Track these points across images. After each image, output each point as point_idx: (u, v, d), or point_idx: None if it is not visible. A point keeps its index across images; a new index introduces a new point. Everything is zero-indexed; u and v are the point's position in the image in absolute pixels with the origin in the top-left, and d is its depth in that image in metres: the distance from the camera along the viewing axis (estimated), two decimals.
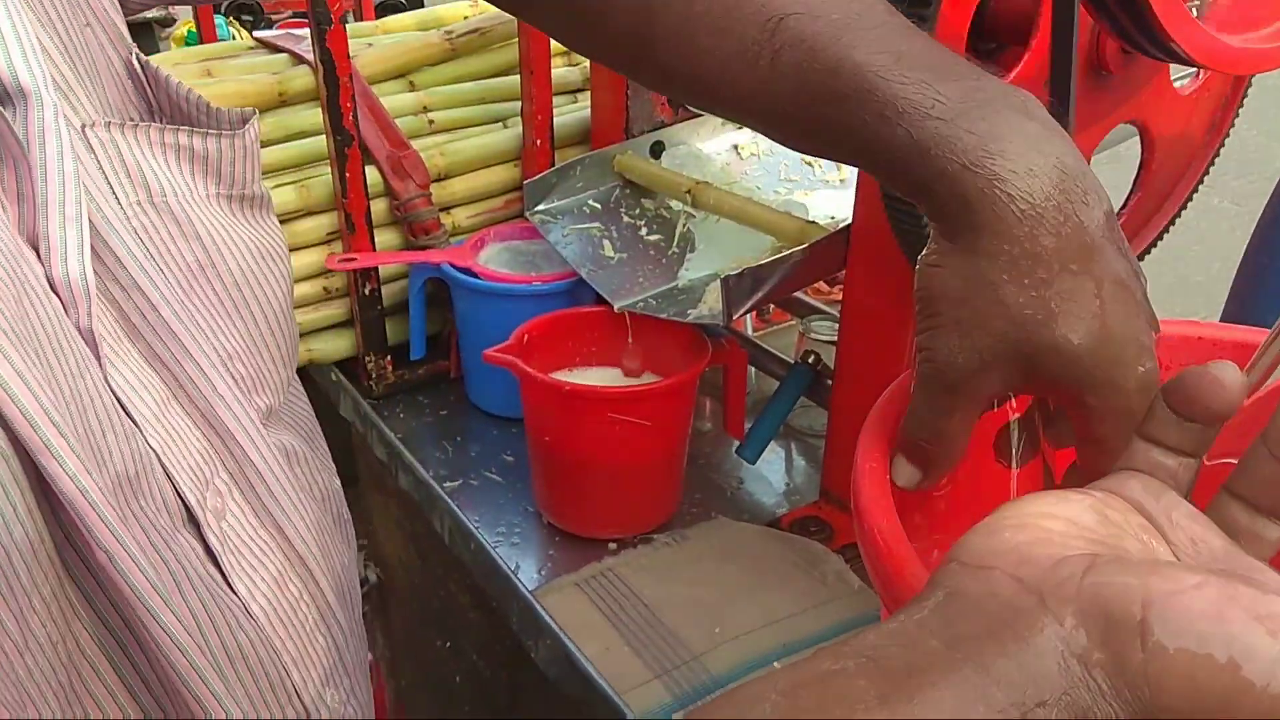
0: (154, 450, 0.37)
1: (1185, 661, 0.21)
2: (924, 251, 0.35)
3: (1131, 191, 0.70)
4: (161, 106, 0.45)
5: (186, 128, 0.43)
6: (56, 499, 0.33)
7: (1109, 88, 0.62)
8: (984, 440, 0.46)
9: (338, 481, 0.55)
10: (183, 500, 0.38)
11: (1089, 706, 0.22)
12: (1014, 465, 0.39)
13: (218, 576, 0.39)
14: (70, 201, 0.36)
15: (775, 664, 0.65)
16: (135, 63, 0.44)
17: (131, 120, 0.43)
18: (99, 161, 0.40)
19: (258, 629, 0.40)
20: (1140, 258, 0.74)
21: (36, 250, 0.35)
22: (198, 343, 0.41)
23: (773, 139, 0.43)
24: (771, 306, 1.04)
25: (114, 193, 0.40)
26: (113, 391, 0.37)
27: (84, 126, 0.39)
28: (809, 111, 0.37)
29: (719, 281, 0.69)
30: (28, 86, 0.36)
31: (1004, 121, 0.32)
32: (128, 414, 0.37)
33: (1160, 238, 0.74)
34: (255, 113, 0.46)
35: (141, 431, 0.37)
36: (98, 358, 0.36)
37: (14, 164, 0.35)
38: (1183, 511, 0.27)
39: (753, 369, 0.83)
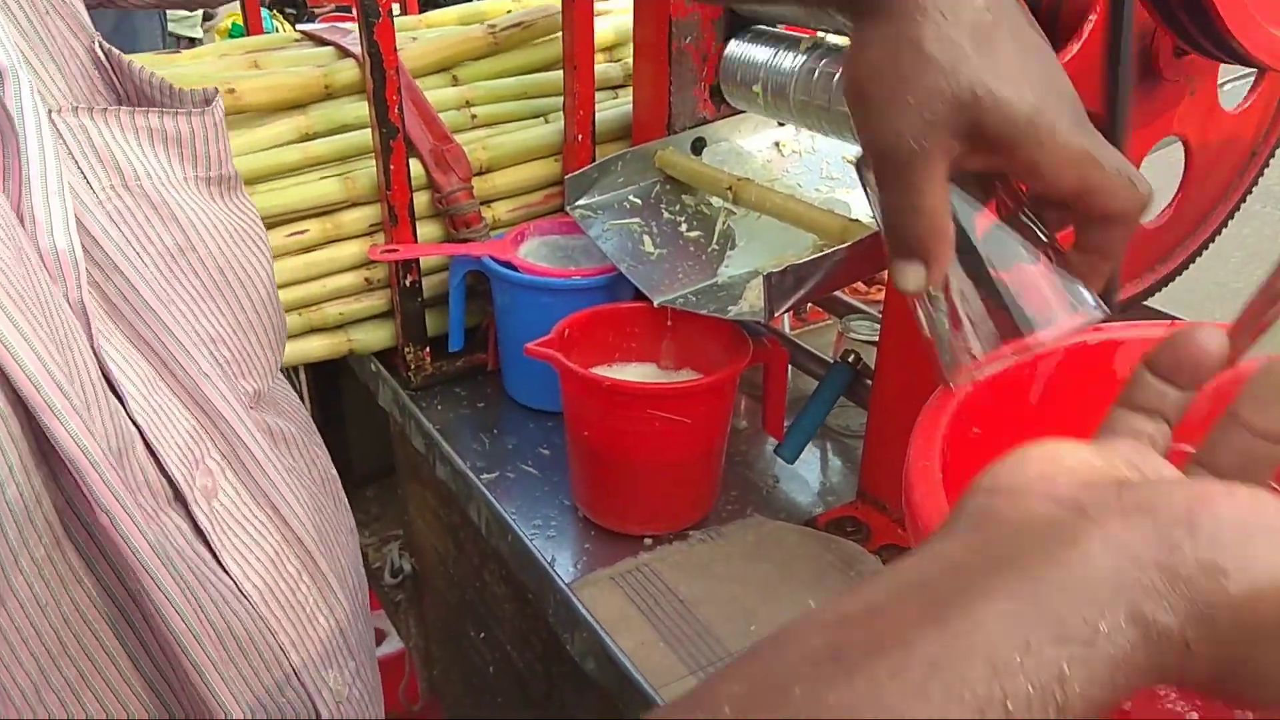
0: (138, 426, 0.37)
1: (1238, 543, 0.21)
2: (846, 52, 0.37)
3: (1170, 202, 0.68)
4: (128, 93, 0.44)
5: (156, 109, 0.43)
6: (58, 460, 0.33)
7: (1159, 93, 0.61)
8: (1035, 429, 0.46)
9: (334, 469, 0.54)
10: (168, 478, 0.38)
11: (1149, 610, 0.21)
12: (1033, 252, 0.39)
13: (207, 556, 0.39)
14: (53, 175, 0.36)
15: None
16: (99, 50, 0.44)
17: (100, 105, 0.42)
18: (69, 147, 0.39)
19: (251, 609, 0.40)
20: (1180, 270, 0.73)
21: (21, 221, 0.35)
22: (180, 325, 0.40)
23: None
24: (809, 306, 1.04)
25: (85, 178, 0.39)
26: (100, 365, 0.36)
27: (50, 112, 0.39)
28: None
29: (761, 279, 0.69)
30: (3, 63, 0.36)
31: None
32: (113, 389, 0.37)
33: (1204, 248, 0.72)
34: (218, 91, 0.46)
35: (125, 407, 0.37)
36: (88, 331, 0.36)
37: (2, 138, 0.35)
38: (1167, 473, 0.27)
39: (789, 367, 0.83)
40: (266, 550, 0.41)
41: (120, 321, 0.38)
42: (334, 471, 0.54)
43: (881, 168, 0.37)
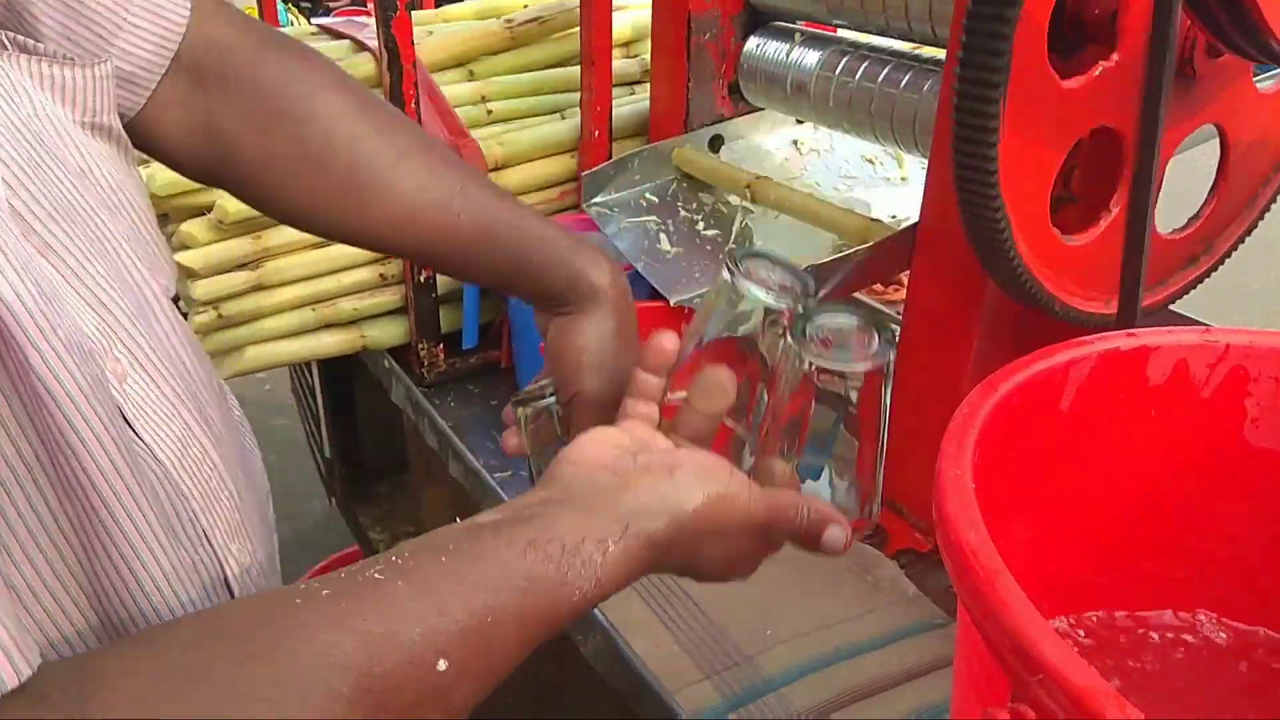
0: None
1: (688, 486, 0.42)
2: (551, 332, 0.57)
3: (1208, 198, 0.67)
4: (25, 47, 0.47)
5: (48, 59, 0.46)
6: None
7: (1191, 91, 0.60)
8: (1067, 435, 0.45)
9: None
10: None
11: (647, 525, 0.41)
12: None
13: (122, 423, 0.41)
14: None
15: (827, 669, 0.64)
16: None
17: (4, 47, 0.45)
18: None
19: (165, 472, 0.43)
20: (1216, 266, 0.72)
21: None
22: (83, 228, 0.43)
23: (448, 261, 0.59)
24: None
25: None
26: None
27: None
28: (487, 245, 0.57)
29: None
30: None
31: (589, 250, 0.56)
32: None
33: (1237, 245, 0.71)
34: (110, 57, 0.49)
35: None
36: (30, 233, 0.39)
37: None
38: (659, 444, 0.47)
39: None
40: (175, 429, 0.44)
41: (30, 236, 0.40)
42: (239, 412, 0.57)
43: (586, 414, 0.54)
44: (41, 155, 0.43)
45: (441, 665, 0.35)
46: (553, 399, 0.56)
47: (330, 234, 0.59)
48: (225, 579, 0.46)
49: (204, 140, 0.54)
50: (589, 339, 0.56)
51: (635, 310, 0.57)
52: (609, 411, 0.53)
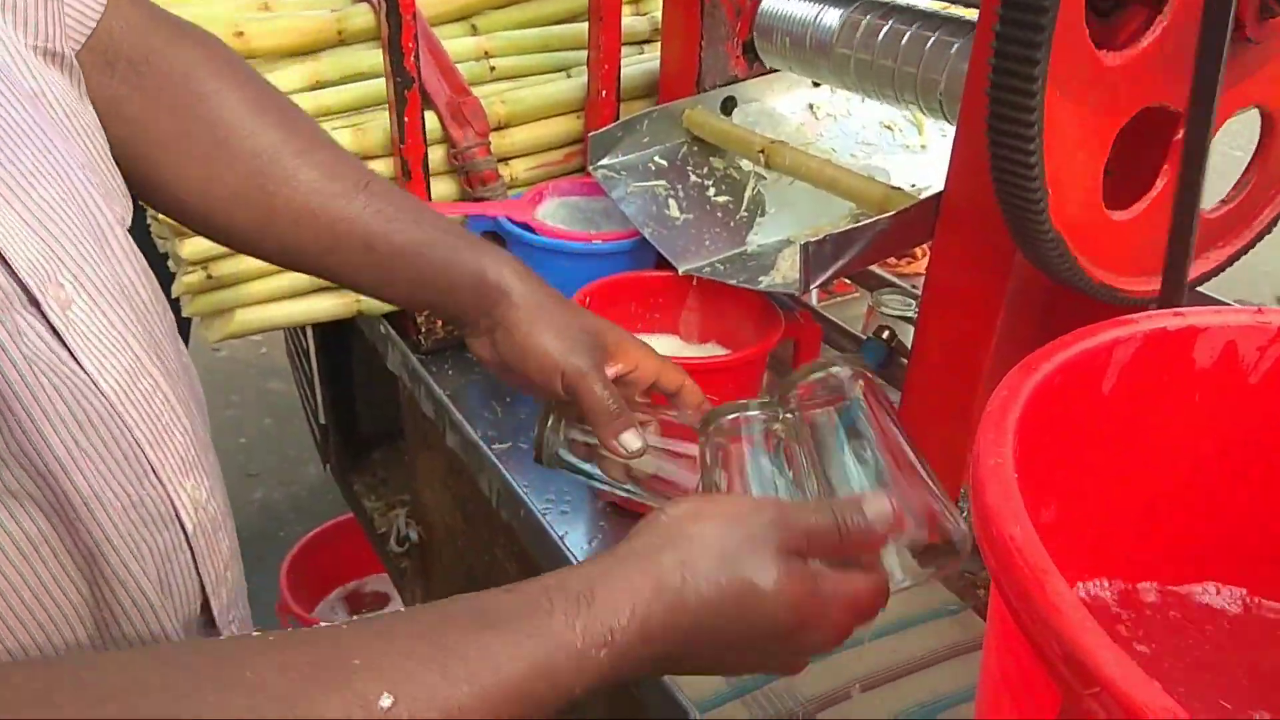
0: None
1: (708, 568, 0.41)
2: (474, 343, 0.59)
3: (1246, 172, 0.64)
4: None
5: None
6: None
7: (1241, 58, 0.56)
8: (1108, 419, 0.42)
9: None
10: (22, 286, 0.39)
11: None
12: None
13: (63, 353, 0.40)
14: None
15: (836, 656, 0.62)
16: None
17: None
18: None
19: (108, 405, 0.41)
20: (1249, 246, 0.68)
21: None
22: (32, 151, 0.42)
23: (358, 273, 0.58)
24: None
25: None
26: None
27: None
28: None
29: (796, 248, 0.65)
30: None
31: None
32: None
33: (1271, 227, 0.68)
34: None
35: None
36: None
37: None
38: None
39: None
40: (123, 360, 0.43)
41: None
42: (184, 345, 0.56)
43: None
44: None
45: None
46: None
47: (231, 231, 0.57)
48: (176, 515, 0.45)
49: (109, 123, 0.52)
50: (534, 340, 0.56)
51: (548, 293, 0.57)
52: (603, 378, 0.55)
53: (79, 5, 0.51)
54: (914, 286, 0.90)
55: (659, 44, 0.91)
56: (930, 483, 0.47)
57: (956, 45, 0.67)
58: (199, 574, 0.47)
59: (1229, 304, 0.61)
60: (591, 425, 0.56)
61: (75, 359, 0.41)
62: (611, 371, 0.57)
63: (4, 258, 0.39)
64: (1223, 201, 0.64)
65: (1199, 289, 0.72)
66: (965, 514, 0.69)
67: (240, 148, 0.55)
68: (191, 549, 0.46)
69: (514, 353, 0.56)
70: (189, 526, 0.46)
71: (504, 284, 0.56)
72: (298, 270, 0.61)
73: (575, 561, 0.67)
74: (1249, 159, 0.63)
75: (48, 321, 0.40)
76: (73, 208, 0.43)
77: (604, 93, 0.89)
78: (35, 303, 0.40)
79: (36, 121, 0.43)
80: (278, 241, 0.57)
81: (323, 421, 1.36)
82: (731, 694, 0.58)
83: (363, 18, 0.87)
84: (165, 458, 0.44)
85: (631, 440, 0.55)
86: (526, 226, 0.83)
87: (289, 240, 0.57)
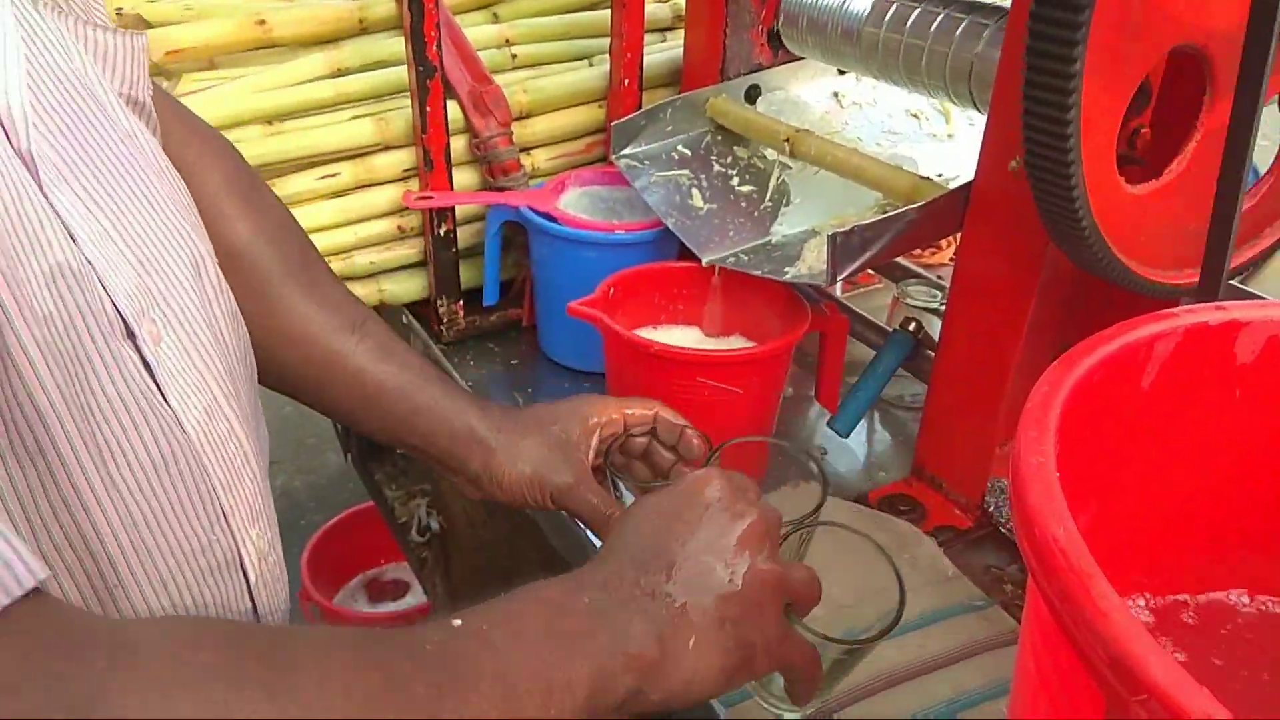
0: (90, 262, 0.38)
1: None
2: (458, 484, 0.62)
3: (1268, 172, 0.62)
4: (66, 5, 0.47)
5: (90, 22, 0.46)
6: None
7: None
8: (1148, 415, 0.42)
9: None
10: (121, 315, 0.39)
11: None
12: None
13: (152, 386, 0.40)
14: (11, 39, 0.38)
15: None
16: None
17: (51, 5, 0.45)
18: (22, 29, 0.41)
19: (190, 445, 0.41)
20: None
21: None
22: (130, 186, 0.42)
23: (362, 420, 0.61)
24: None
25: (37, 56, 0.41)
26: (53, 208, 0.38)
27: None
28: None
29: (823, 238, 0.64)
30: None
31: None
32: (68, 231, 0.38)
33: None
34: (145, 35, 0.50)
35: (80, 248, 0.38)
36: (38, 181, 0.37)
37: None
38: None
39: None
40: (202, 400, 0.43)
41: (73, 181, 0.40)
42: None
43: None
44: (92, 111, 0.42)
45: None
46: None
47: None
48: (241, 562, 0.44)
49: None
50: (516, 477, 0.58)
51: (515, 426, 0.60)
52: (596, 479, 0.58)
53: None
54: (939, 277, 0.88)
55: (682, 31, 0.90)
56: None
57: (988, 31, 0.66)
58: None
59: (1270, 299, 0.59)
60: (591, 530, 0.59)
61: (163, 394, 0.40)
62: (599, 439, 0.60)
63: (105, 287, 0.38)
64: (1251, 194, 0.63)
65: (1238, 284, 0.71)
66: (990, 508, 0.68)
67: (250, 271, 0.56)
68: (253, 600, 0.46)
69: (503, 493, 0.60)
70: (252, 577, 0.45)
71: (478, 434, 0.59)
72: (289, 396, 0.62)
73: (597, 550, 0.67)
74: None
75: (140, 354, 0.40)
76: (169, 242, 0.44)
77: (626, 81, 0.88)
78: (131, 334, 0.40)
79: (136, 160, 0.44)
80: (273, 365, 0.58)
81: None
82: (754, 685, 0.58)
83: (384, 6, 0.87)
84: (236, 504, 0.44)
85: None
86: (549, 216, 0.82)
87: (284, 365, 0.59)
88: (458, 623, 0.37)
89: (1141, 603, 0.45)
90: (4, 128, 0.37)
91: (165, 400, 0.40)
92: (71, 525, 0.37)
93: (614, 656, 0.40)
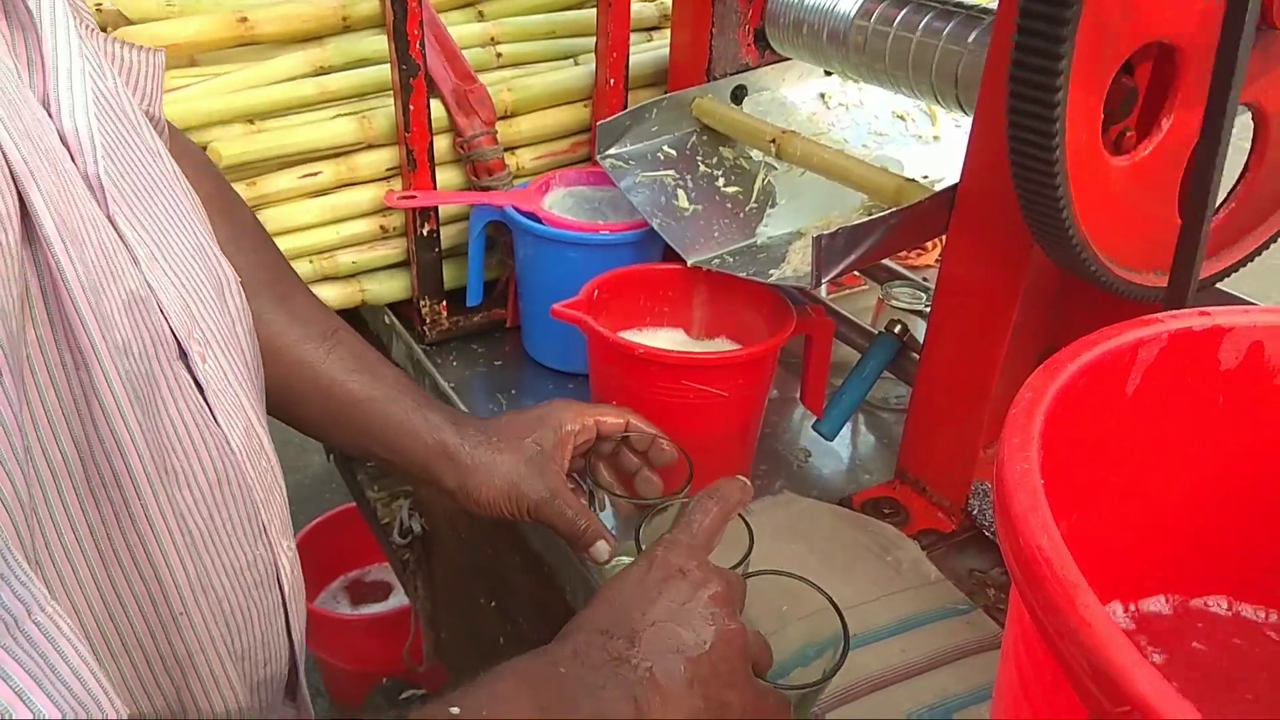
0: (150, 285, 0.39)
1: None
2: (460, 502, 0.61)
3: (1240, 178, 0.62)
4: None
5: (117, 41, 0.48)
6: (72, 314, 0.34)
7: (1272, 47, 0.54)
8: (1132, 422, 0.41)
9: None
10: (175, 336, 0.40)
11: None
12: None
13: (205, 406, 0.41)
14: (76, 63, 0.39)
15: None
16: None
17: (80, 22, 0.45)
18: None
19: (237, 462, 0.42)
20: (1258, 252, 0.66)
21: (48, 110, 0.37)
22: (164, 206, 0.43)
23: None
24: None
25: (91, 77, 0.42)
26: (117, 231, 0.39)
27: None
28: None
29: (808, 240, 0.64)
30: None
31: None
32: (132, 255, 0.39)
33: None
34: (163, 51, 0.51)
35: (140, 269, 0.39)
36: (104, 203, 0.38)
37: (23, 31, 0.38)
38: None
39: None
40: (242, 419, 0.44)
41: (123, 203, 0.40)
42: None
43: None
44: (127, 130, 0.43)
45: None
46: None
47: None
48: (278, 575, 0.45)
49: None
50: (492, 490, 0.58)
51: (488, 439, 0.60)
52: (563, 497, 0.58)
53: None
54: (924, 279, 0.88)
55: (668, 31, 0.89)
56: None
57: (974, 33, 0.66)
58: (290, 639, 0.48)
59: (1254, 304, 0.59)
60: (566, 541, 0.59)
61: (213, 414, 0.41)
62: (574, 448, 0.61)
63: (163, 309, 0.39)
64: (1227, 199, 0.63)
65: (1220, 287, 0.71)
66: (974, 511, 0.68)
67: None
68: (286, 611, 0.47)
69: (479, 507, 0.60)
70: (286, 589, 0.46)
71: (450, 450, 0.59)
72: None
73: (579, 561, 0.66)
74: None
75: (193, 375, 0.40)
76: (199, 263, 0.44)
77: (612, 81, 0.87)
78: (184, 355, 0.40)
79: (164, 178, 0.44)
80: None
81: None
82: None
83: (367, 3, 0.86)
84: (272, 518, 0.45)
85: (600, 552, 0.58)
86: (533, 216, 0.82)
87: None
88: (455, 711, 0.37)
89: (1119, 609, 0.45)
90: (70, 150, 0.37)
91: (216, 420, 0.41)
92: (143, 556, 0.37)
93: None
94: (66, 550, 0.35)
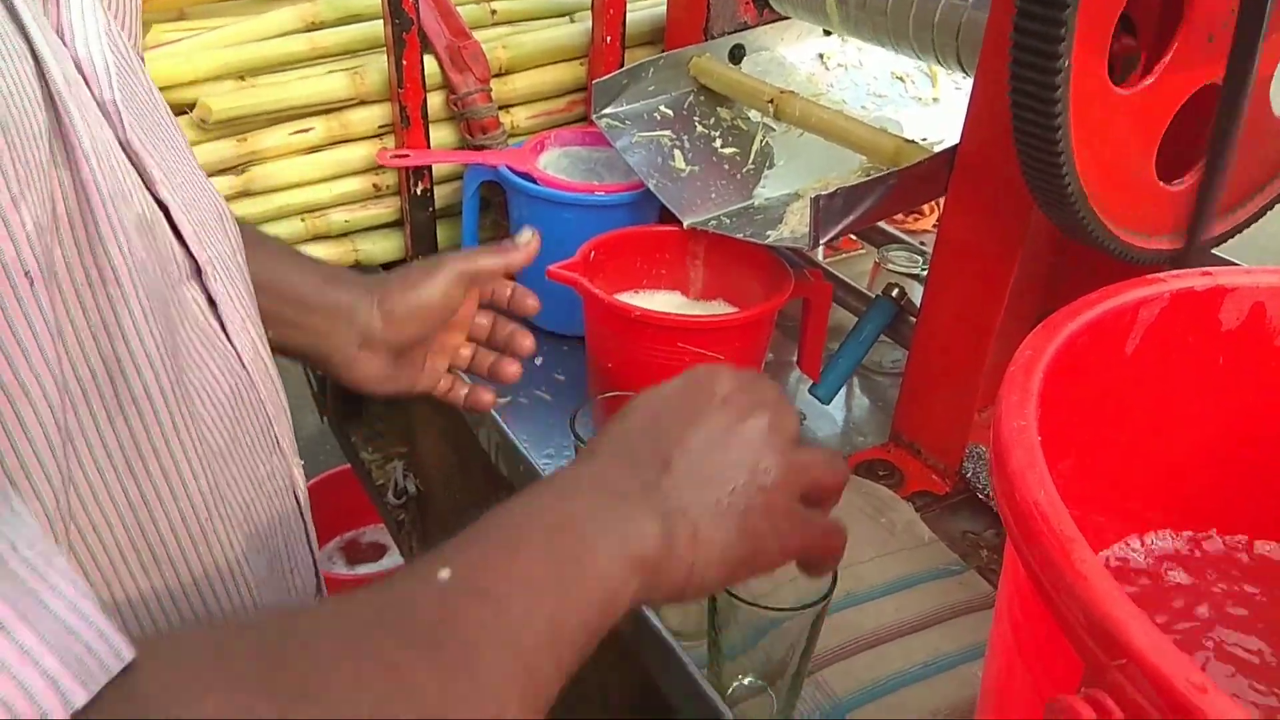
0: (162, 203, 0.40)
1: None
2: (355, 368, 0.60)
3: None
4: None
5: None
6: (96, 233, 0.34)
7: None
8: (1131, 381, 0.41)
9: None
10: (190, 254, 0.41)
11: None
12: None
13: (217, 323, 0.42)
14: None
15: (836, 613, 0.61)
16: None
17: None
18: None
19: (248, 377, 0.43)
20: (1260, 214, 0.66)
21: (62, 38, 0.38)
22: (164, 134, 0.43)
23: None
24: None
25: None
26: (132, 155, 0.39)
27: None
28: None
29: (805, 201, 0.63)
30: None
31: None
32: (144, 177, 0.40)
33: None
34: None
35: (151, 189, 0.40)
36: (120, 126, 0.39)
37: None
38: None
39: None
40: (250, 339, 0.45)
41: (135, 127, 0.41)
42: None
43: None
44: (125, 59, 0.43)
45: None
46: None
47: None
48: (294, 487, 0.47)
49: None
50: (414, 292, 0.58)
51: (366, 284, 0.59)
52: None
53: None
54: (921, 243, 0.88)
55: None
56: None
57: None
58: (311, 550, 0.49)
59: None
60: (503, 261, 0.61)
61: (225, 331, 0.42)
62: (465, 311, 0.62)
63: (177, 229, 0.40)
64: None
65: (1216, 251, 0.71)
66: (968, 474, 0.69)
67: None
68: (305, 523, 0.48)
69: (410, 315, 0.59)
70: (301, 501, 0.47)
71: (347, 281, 0.59)
72: None
73: None
74: None
75: (207, 292, 0.42)
76: (200, 189, 0.45)
77: (608, 39, 0.86)
78: (199, 272, 0.41)
79: (159, 109, 0.45)
80: None
81: (319, 372, 1.34)
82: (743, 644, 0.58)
83: None
84: (283, 433, 0.46)
85: (525, 234, 0.61)
86: (527, 176, 0.81)
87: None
88: (445, 574, 0.33)
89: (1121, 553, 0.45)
90: (84, 76, 0.38)
91: (228, 337, 0.42)
92: (169, 470, 0.37)
93: (619, 564, 0.36)
94: (99, 465, 0.35)
